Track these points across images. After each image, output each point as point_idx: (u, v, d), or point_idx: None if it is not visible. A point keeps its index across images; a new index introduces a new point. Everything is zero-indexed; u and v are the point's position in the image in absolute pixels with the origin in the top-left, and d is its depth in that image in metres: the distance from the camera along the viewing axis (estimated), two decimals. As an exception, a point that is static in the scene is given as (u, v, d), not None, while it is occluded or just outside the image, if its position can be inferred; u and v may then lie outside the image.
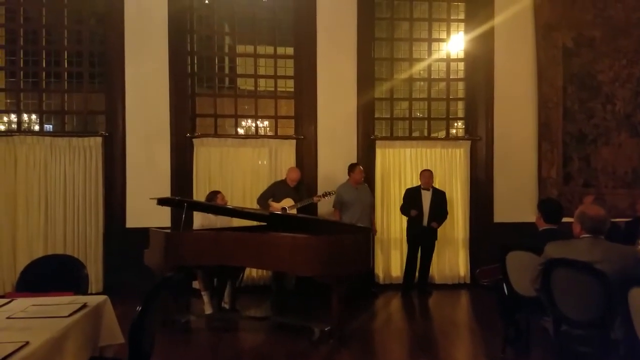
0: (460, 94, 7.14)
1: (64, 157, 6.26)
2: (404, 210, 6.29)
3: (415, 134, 7.08)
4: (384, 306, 5.97)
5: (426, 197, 6.23)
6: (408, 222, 6.33)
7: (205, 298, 5.20)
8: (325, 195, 5.93)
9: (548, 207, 3.92)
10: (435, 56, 7.06)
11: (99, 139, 6.34)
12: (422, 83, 7.17)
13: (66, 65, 6.54)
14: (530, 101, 6.86)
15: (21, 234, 6.18)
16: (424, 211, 6.19)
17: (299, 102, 6.77)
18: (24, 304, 2.82)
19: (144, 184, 6.27)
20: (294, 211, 5.82)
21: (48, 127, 6.64)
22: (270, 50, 6.90)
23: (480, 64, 6.86)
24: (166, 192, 6.23)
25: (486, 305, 5.57)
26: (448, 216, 6.44)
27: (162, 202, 5.18)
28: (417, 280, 6.40)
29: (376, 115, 6.94)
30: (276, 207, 5.83)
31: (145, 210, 5.87)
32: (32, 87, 6.57)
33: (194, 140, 6.52)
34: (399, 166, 6.81)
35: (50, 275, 3.59)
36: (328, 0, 6.62)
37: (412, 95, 7.05)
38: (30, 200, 6.19)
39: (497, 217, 6.79)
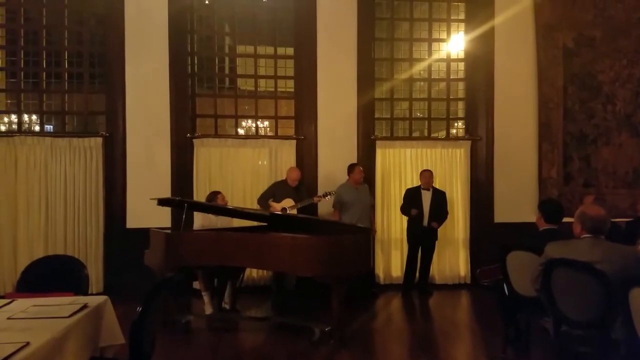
0: (461, 94, 7.14)
1: (64, 158, 6.27)
2: (404, 210, 6.29)
3: (416, 134, 7.08)
4: (385, 306, 5.97)
5: (426, 197, 6.23)
6: (408, 222, 6.33)
7: (206, 298, 5.20)
8: (325, 195, 5.93)
9: (548, 207, 3.92)
10: (435, 56, 7.06)
11: (100, 140, 6.34)
12: (422, 83, 7.17)
13: (66, 66, 6.55)
14: (531, 101, 6.86)
15: (22, 235, 6.18)
16: (424, 211, 6.19)
17: (299, 102, 6.77)
18: (24, 305, 2.82)
19: (145, 184, 6.28)
20: (294, 211, 5.82)
21: (48, 127, 6.64)
22: (270, 50, 6.90)
23: (480, 64, 6.86)
24: (166, 193, 6.23)
25: (486, 306, 5.58)
26: (448, 216, 6.44)
27: (162, 202, 5.18)
28: (417, 281, 6.40)
29: (376, 116, 6.94)
30: (276, 207, 5.84)
31: (146, 210, 5.87)
32: (32, 87, 6.58)
33: (194, 140, 6.53)
34: (399, 166, 6.81)
35: (50, 275, 3.60)
36: (328, 1, 6.63)
37: (413, 96, 7.05)
38: (31, 201, 6.19)
39: (498, 217, 6.79)
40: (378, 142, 6.77)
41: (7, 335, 2.30)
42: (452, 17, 7.08)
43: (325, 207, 6.32)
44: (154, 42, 6.39)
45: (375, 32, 6.91)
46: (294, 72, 6.81)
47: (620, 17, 6.89)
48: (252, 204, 6.29)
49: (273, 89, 6.89)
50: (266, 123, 7.20)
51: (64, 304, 2.84)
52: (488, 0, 6.80)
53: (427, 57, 7.04)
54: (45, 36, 6.59)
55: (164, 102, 6.43)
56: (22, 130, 6.45)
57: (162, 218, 6.08)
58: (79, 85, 6.61)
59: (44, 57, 6.53)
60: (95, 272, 6.18)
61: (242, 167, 6.61)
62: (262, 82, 6.89)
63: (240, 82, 7.25)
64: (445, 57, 7.08)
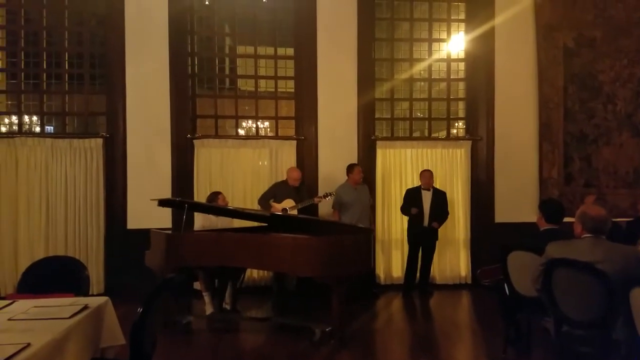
0: (461, 94, 7.13)
1: (64, 159, 6.27)
2: (405, 210, 6.29)
3: (416, 134, 7.07)
4: (385, 307, 5.97)
5: (426, 198, 6.23)
6: (409, 222, 6.33)
7: (207, 299, 5.20)
8: (326, 196, 5.92)
9: (549, 207, 3.92)
10: (435, 56, 7.05)
11: (100, 140, 6.34)
12: (422, 83, 7.17)
13: (67, 67, 6.55)
14: (531, 101, 6.85)
15: (22, 236, 6.18)
16: (424, 211, 6.19)
17: (300, 102, 6.77)
18: (25, 306, 2.83)
19: (145, 185, 6.28)
20: (295, 212, 5.82)
21: (49, 128, 6.64)
22: (270, 51, 6.90)
23: (480, 64, 6.86)
24: (167, 193, 6.24)
25: (487, 306, 5.57)
26: (449, 216, 6.44)
27: (163, 203, 5.19)
28: (418, 281, 6.40)
29: (377, 116, 6.94)
30: (277, 207, 5.84)
31: (146, 211, 5.88)
32: (32, 88, 6.58)
33: (194, 141, 6.53)
34: (400, 166, 6.81)
35: (51, 276, 3.60)
36: (328, 1, 6.63)
37: (413, 96, 7.05)
38: (32, 202, 6.20)
39: (498, 217, 6.78)
40: (378, 143, 6.77)
41: (8, 336, 2.31)
42: (452, 17, 7.07)
43: (325, 208, 6.32)
44: (154, 43, 6.39)
45: (376, 33, 6.91)
46: (294, 73, 6.81)
47: (620, 17, 6.89)
48: (253, 205, 6.29)
49: (273, 90, 6.89)
50: (266, 123, 7.21)
51: (65, 305, 2.84)
52: (488, 0, 6.79)
53: (427, 57, 7.04)
54: (45, 37, 6.59)
55: (164, 102, 6.43)
56: (22, 132, 6.46)
57: (162, 219, 6.09)
58: (80, 86, 6.62)
59: (45, 58, 6.54)
60: (95, 273, 6.18)
61: (243, 168, 6.61)
62: (262, 82, 6.89)
63: (240, 83, 7.26)
64: (445, 57, 7.07)
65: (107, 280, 6.29)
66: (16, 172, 6.20)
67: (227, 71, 7.54)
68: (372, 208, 6.45)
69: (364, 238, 4.60)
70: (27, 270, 3.75)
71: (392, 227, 6.75)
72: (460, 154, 6.85)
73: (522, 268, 3.60)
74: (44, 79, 6.55)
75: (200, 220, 5.50)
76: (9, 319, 2.58)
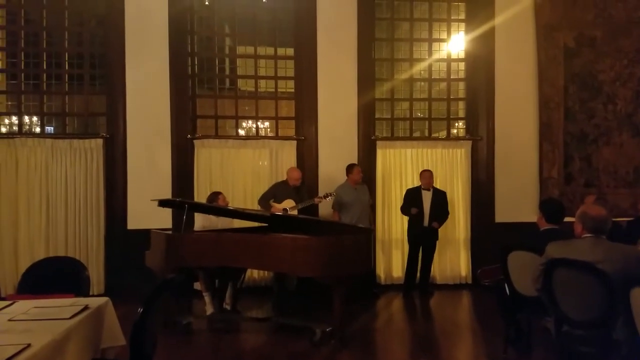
0: (461, 94, 7.13)
1: (65, 159, 6.27)
2: (405, 210, 6.29)
3: (416, 134, 7.07)
4: (386, 306, 5.96)
5: (427, 198, 6.23)
6: (409, 222, 6.33)
7: (207, 299, 5.20)
8: (326, 196, 5.92)
9: (550, 207, 3.92)
10: (435, 56, 7.05)
11: (100, 141, 6.34)
12: (422, 83, 7.17)
13: (67, 67, 6.55)
14: (531, 101, 6.85)
15: (22, 236, 6.19)
16: (424, 211, 6.18)
17: (300, 103, 6.77)
18: (25, 306, 2.83)
19: (145, 185, 6.28)
20: (295, 212, 5.82)
21: (49, 129, 6.65)
22: (270, 51, 6.90)
23: (481, 64, 6.85)
24: (167, 194, 6.24)
25: (487, 306, 5.56)
26: (449, 216, 6.44)
27: (163, 203, 5.19)
28: (418, 281, 6.40)
29: (377, 116, 6.94)
30: (277, 208, 5.83)
31: (146, 211, 5.88)
32: (33, 89, 6.58)
33: (194, 141, 6.53)
34: (400, 166, 6.81)
35: (51, 277, 3.60)
36: (328, 1, 6.62)
37: (413, 96, 7.05)
38: (32, 202, 6.20)
39: (499, 217, 6.78)
40: (378, 143, 6.77)
41: (8, 337, 2.31)
42: (452, 17, 7.07)
43: (326, 208, 6.31)
44: (155, 43, 6.39)
45: (376, 33, 6.91)
46: (294, 73, 6.81)
47: (620, 17, 6.88)
48: (253, 205, 6.28)
49: (273, 90, 6.89)
50: (266, 124, 7.20)
51: (65, 305, 2.84)
52: (488, 0, 6.79)
53: (427, 57, 7.04)
54: (45, 37, 6.59)
55: (164, 103, 6.43)
56: (22, 132, 6.46)
57: (162, 219, 6.08)
58: (80, 87, 6.62)
59: (45, 58, 6.54)
60: (96, 273, 6.18)
61: (243, 168, 6.61)
62: (262, 82, 6.89)
63: (240, 83, 7.26)
64: (445, 57, 7.07)
65: (108, 281, 6.29)
66: (16, 172, 6.21)
67: (227, 71, 7.53)
68: (372, 208, 6.45)
69: (364, 238, 4.59)
70: (28, 270, 3.75)
71: (393, 227, 6.75)
72: (460, 153, 6.85)
73: (522, 268, 3.60)
74: (44, 80, 6.55)
75: (201, 221, 5.50)
76: (9, 320, 2.58)
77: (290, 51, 6.94)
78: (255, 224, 5.49)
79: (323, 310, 4.88)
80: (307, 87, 6.64)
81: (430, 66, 7.04)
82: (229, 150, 6.57)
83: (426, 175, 6.30)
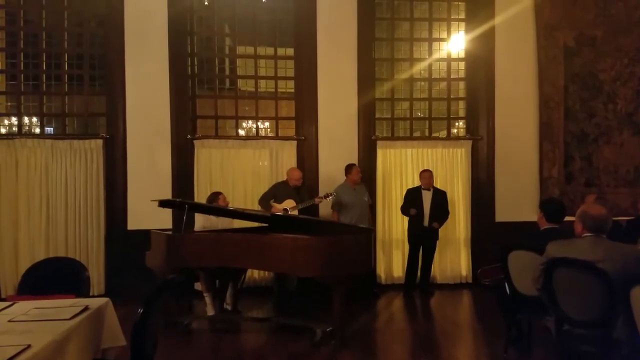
0: (461, 94, 7.13)
1: (65, 160, 6.27)
2: (404, 210, 6.29)
3: (416, 134, 7.07)
4: (386, 306, 5.96)
5: (427, 197, 6.22)
6: (409, 222, 6.33)
7: (208, 299, 5.20)
8: (326, 196, 5.92)
9: (550, 206, 3.92)
10: (435, 56, 7.05)
11: (100, 141, 6.34)
12: (422, 83, 7.17)
13: (67, 68, 6.55)
14: (532, 101, 6.85)
15: (23, 237, 6.18)
16: (424, 211, 6.18)
17: (300, 103, 6.77)
18: (25, 307, 2.83)
19: (145, 186, 6.27)
20: (296, 212, 5.82)
21: (49, 129, 6.64)
22: (270, 51, 6.90)
23: (481, 63, 6.85)
24: (167, 194, 6.23)
25: (488, 305, 5.56)
26: (450, 216, 6.44)
27: (163, 204, 5.19)
28: (418, 281, 6.39)
29: (377, 116, 6.94)
30: (278, 208, 5.83)
31: (147, 212, 5.88)
32: (32, 89, 6.58)
33: (194, 141, 6.52)
34: (400, 166, 6.80)
35: (51, 278, 3.60)
36: (328, 1, 6.62)
37: (413, 95, 7.05)
38: (32, 203, 6.20)
39: (499, 216, 6.78)
40: (379, 143, 6.77)
41: (8, 337, 2.30)
42: (452, 17, 7.07)
43: (326, 208, 6.31)
44: (154, 44, 6.39)
45: (376, 32, 6.91)
46: (294, 73, 6.81)
47: (621, 16, 6.88)
48: (253, 205, 6.28)
49: (273, 90, 6.88)
50: (267, 124, 7.20)
51: (65, 306, 2.84)
52: (488, -1, 6.79)
53: (427, 57, 7.04)
54: (45, 38, 6.58)
55: (164, 103, 6.43)
56: (22, 133, 6.45)
57: (163, 219, 6.08)
58: (79, 87, 6.62)
59: (44, 59, 6.53)
60: (96, 274, 6.18)
61: (243, 168, 6.61)
62: (262, 82, 6.89)
63: (240, 83, 7.25)
64: (445, 57, 7.07)
65: (108, 281, 6.29)
66: (16, 173, 6.20)
67: (227, 71, 7.53)
68: (371, 208, 6.44)
69: (364, 238, 4.59)
70: (28, 271, 3.75)
71: (393, 227, 6.75)
72: (460, 153, 6.85)
73: (522, 267, 3.60)
74: (44, 80, 6.55)
75: (201, 221, 5.50)
76: (9, 321, 2.58)
77: (290, 51, 6.94)
78: (256, 224, 5.49)
79: (323, 310, 4.88)
80: (307, 87, 6.64)
81: (430, 66, 7.04)
82: (229, 150, 6.57)
83: (426, 175, 6.30)
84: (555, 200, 4.76)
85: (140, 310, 2.52)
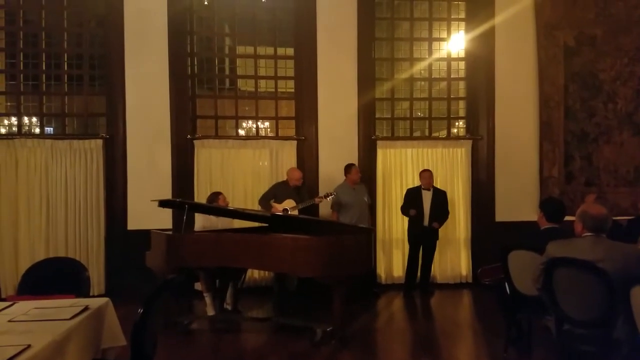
0: (461, 94, 7.13)
1: (64, 160, 6.27)
2: (404, 210, 6.28)
3: (416, 133, 7.07)
4: (386, 306, 5.96)
5: (427, 197, 6.22)
6: (409, 222, 6.32)
7: (208, 299, 5.20)
8: (326, 196, 5.92)
9: (550, 206, 3.92)
10: (435, 56, 7.05)
11: (100, 142, 6.34)
12: (422, 83, 7.17)
13: (66, 68, 6.54)
14: (532, 100, 6.85)
15: (23, 237, 6.18)
16: (424, 211, 6.18)
17: (300, 102, 6.76)
18: (25, 307, 2.83)
19: (145, 186, 6.27)
20: (296, 212, 5.82)
21: (49, 129, 6.64)
22: (270, 51, 6.90)
23: (481, 63, 6.85)
24: (167, 194, 6.23)
25: (488, 305, 5.56)
26: (450, 216, 6.44)
27: (163, 204, 5.19)
28: (418, 280, 6.39)
29: (377, 116, 6.94)
30: (278, 208, 5.83)
31: (147, 212, 5.87)
32: (32, 89, 6.58)
33: (194, 141, 6.52)
34: (400, 166, 6.80)
35: (51, 278, 3.60)
36: (328, 1, 6.62)
37: (413, 95, 7.05)
38: (32, 203, 6.19)
39: (499, 216, 6.78)
40: (379, 142, 6.77)
41: (9, 337, 2.31)
42: (452, 16, 7.07)
43: (326, 208, 6.31)
44: (154, 44, 6.39)
45: (376, 32, 6.91)
46: (294, 73, 6.81)
47: (621, 15, 6.87)
48: (253, 205, 6.28)
49: (273, 90, 6.88)
50: (267, 124, 7.20)
51: (65, 306, 2.84)
52: (488, -1, 6.79)
53: (427, 57, 7.04)
54: (44, 38, 6.58)
55: (164, 103, 6.42)
56: (22, 133, 6.45)
57: (163, 219, 6.08)
58: (79, 87, 6.62)
59: (44, 59, 6.53)
60: (96, 274, 6.18)
61: (243, 168, 6.61)
62: (262, 82, 6.89)
63: (240, 83, 7.25)
64: (445, 57, 7.07)
65: (108, 281, 6.29)
66: (16, 173, 6.20)
67: (227, 71, 7.52)
68: (371, 208, 6.44)
69: (364, 238, 4.59)
70: (28, 271, 3.75)
71: (393, 227, 6.75)
72: (460, 153, 6.84)
73: (522, 267, 3.60)
74: (44, 80, 6.55)
75: (201, 221, 5.50)
76: (10, 321, 2.58)
77: (290, 51, 6.94)
78: (256, 224, 5.49)
79: (323, 310, 4.88)
80: (307, 87, 6.64)
81: (430, 66, 7.03)
82: (229, 150, 6.57)
83: (426, 175, 6.30)
84: (555, 199, 4.75)
85: (140, 310, 2.52)
